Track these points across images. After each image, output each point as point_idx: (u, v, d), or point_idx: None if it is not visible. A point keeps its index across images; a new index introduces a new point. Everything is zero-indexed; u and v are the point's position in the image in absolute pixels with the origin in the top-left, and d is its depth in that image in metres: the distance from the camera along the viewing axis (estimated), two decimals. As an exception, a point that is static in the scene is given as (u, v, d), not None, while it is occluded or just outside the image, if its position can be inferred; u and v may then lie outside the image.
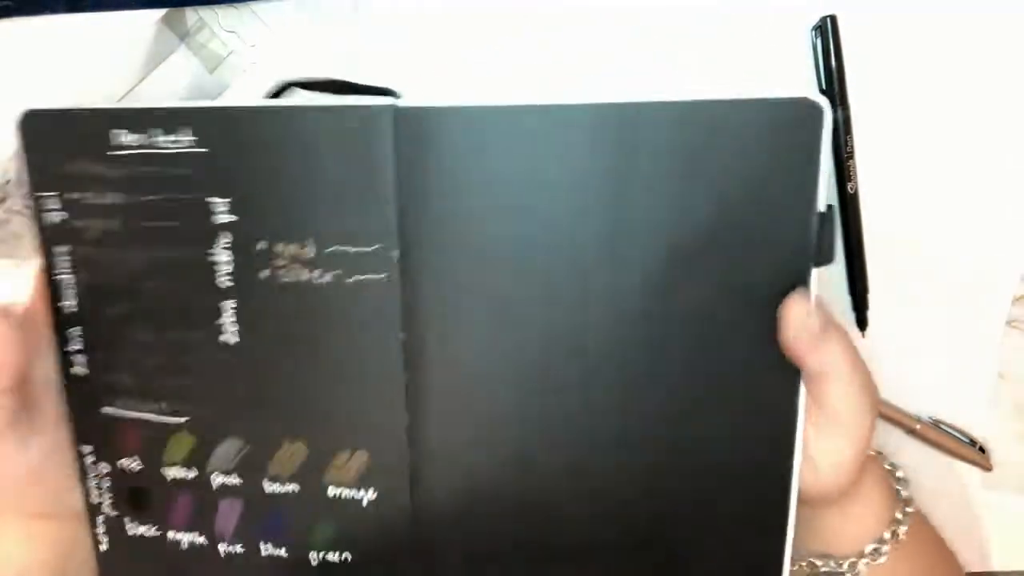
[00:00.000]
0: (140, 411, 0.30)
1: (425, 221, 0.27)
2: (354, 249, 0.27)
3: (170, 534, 0.32)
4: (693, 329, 0.28)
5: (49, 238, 0.29)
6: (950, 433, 0.44)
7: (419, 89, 0.42)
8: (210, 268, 0.28)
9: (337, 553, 0.30)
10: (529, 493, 0.30)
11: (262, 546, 0.31)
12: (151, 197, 0.28)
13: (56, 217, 0.29)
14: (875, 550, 0.32)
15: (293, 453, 0.30)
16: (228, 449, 0.30)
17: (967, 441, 0.44)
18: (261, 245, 0.28)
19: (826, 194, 0.27)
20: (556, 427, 0.29)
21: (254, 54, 0.41)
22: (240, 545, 0.31)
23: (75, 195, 0.28)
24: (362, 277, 0.27)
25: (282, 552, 0.31)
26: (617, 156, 0.26)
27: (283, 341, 0.29)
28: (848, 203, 0.42)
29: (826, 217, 0.27)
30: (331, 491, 0.30)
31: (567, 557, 0.30)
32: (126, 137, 0.27)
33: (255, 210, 0.27)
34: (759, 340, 0.28)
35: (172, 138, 0.27)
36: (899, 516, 0.32)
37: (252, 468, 0.30)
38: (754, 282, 0.27)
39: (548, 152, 0.27)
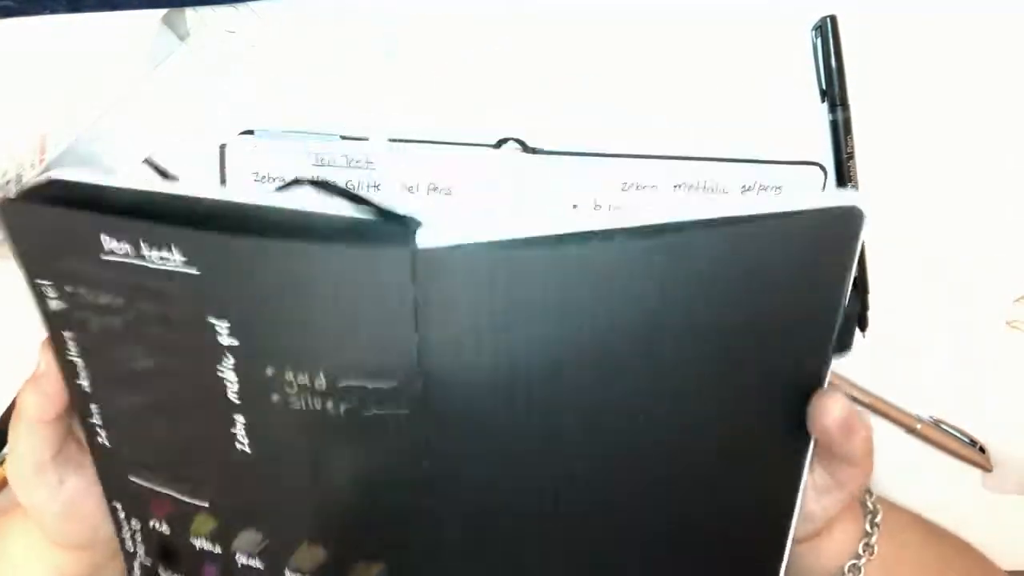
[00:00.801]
0: (164, 488, 0.30)
1: (445, 355, 0.26)
2: (372, 385, 0.26)
3: None
4: (708, 397, 0.28)
5: (54, 323, 0.27)
6: (951, 433, 0.44)
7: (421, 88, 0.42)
8: (220, 383, 0.26)
9: None
10: None
11: None
12: (149, 306, 0.26)
13: (55, 305, 0.27)
14: (853, 566, 0.33)
15: (313, 555, 0.29)
16: (250, 539, 0.30)
17: (967, 441, 0.44)
18: (269, 371, 0.26)
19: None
20: (577, 555, 0.29)
21: (253, 54, 0.41)
22: None
23: (70, 288, 0.26)
24: (380, 412, 0.26)
25: None
26: (646, 290, 0.25)
27: (299, 456, 0.27)
28: (848, 203, 0.42)
29: (848, 311, 0.28)
30: None
31: None
32: (116, 245, 0.25)
33: (258, 336, 0.25)
34: (775, 417, 0.29)
35: (160, 254, 0.25)
36: (868, 529, 0.34)
37: (274, 558, 0.30)
38: (778, 368, 0.28)
39: (568, 284, 0.25)
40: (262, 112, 0.41)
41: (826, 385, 0.29)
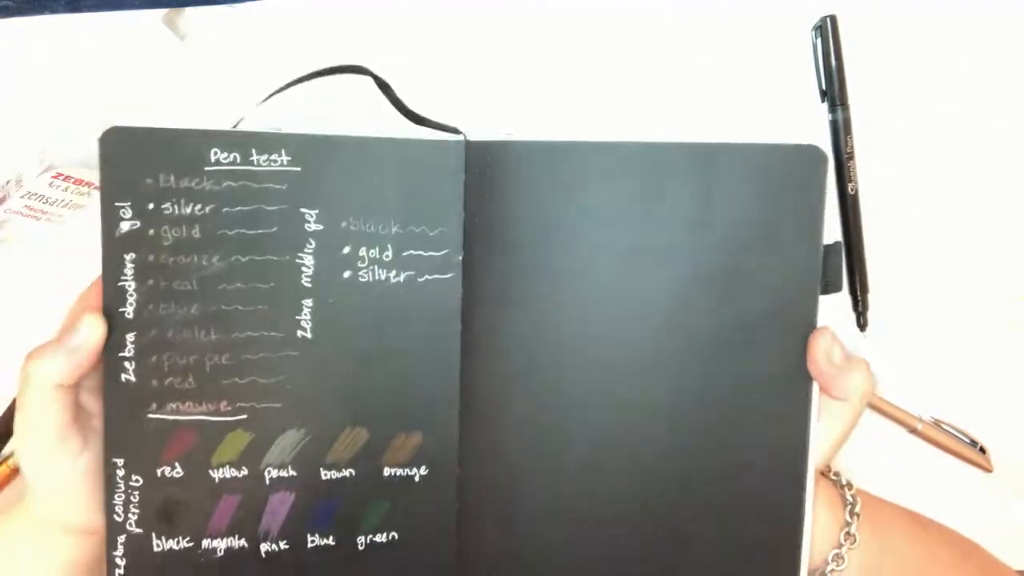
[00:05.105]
0: (193, 414, 0.31)
1: (483, 232, 0.32)
2: (427, 253, 0.32)
3: (205, 542, 0.32)
4: (709, 343, 0.32)
5: (116, 248, 0.30)
6: (951, 433, 0.44)
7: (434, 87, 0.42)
8: (297, 269, 0.32)
9: (384, 534, 0.33)
10: (560, 471, 0.33)
11: (309, 538, 0.33)
12: (240, 208, 0.31)
13: (127, 227, 0.30)
14: (836, 555, 0.34)
15: (355, 438, 0.33)
16: (287, 442, 0.32)
17: (968, 441, 0.45)
18: (346, 250, 0.32)
19: (828, 230, 0.31)
20: (585, 416, 0.33)
21: (252, 54, 0.41)
22: (285, 541, 0.33)
23: (151, 205, 0.30)
24: (431, 277, 0.32)
25: (329, 540, 0.33)
26: (643, 187, 0.31)
27: (354, 333, 0.32)
28: (848, 203, 0.42)
29: (831, 250, 0.31)
30: (386, 472, 0.33)
31: (597, 541, 0.33)
32: (224, 156, 0.31)
33: (342, 220, 0.32)
34: (771, 357, 0.31)
35: (268, 157, 0.31)
36: (848, 518, 0.34)
37: (309, 458, 0.33)
38: (769, 306, 0.31)
39: (583, 179, 0.31)
40: (261, 112, 0.41)
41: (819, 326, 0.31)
